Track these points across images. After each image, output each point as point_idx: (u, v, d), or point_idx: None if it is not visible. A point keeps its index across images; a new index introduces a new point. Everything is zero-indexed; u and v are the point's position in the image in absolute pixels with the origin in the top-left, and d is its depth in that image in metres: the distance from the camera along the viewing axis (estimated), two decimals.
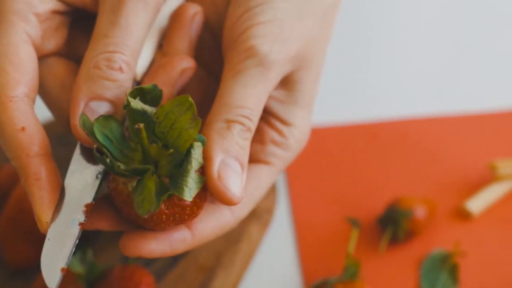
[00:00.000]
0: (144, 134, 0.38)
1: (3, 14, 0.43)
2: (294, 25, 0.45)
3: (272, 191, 0.65)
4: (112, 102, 0.42)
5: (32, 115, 0.42)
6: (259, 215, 0.63)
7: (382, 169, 0.67)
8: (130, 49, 0.43)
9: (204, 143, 0.40)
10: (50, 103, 0.46)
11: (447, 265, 0.59)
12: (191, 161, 0.39)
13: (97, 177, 0.41)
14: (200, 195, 0.40)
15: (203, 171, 0.40)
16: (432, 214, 0.62)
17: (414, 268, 0.60)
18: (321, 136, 0.69)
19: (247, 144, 0.42)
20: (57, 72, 0.46)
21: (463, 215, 0.63)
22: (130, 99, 0.39)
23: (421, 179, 0.66)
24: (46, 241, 0.40)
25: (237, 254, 0.60)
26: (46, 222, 0.40)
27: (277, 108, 0.47)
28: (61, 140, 0.59)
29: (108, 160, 0.39)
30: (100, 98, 0.41)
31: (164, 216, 0.40)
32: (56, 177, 0.41)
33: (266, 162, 0.47)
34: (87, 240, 0.53)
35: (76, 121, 0.41)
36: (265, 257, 0.62)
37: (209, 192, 0.41)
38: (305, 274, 0.60)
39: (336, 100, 0.72)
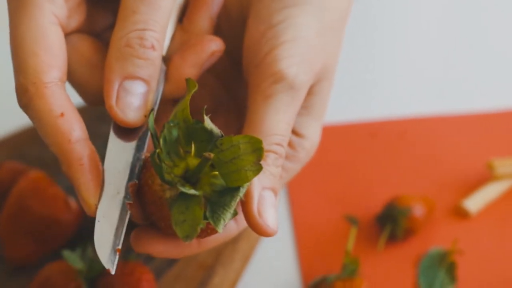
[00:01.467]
0: (210, 163, 0.38)
1: None
2: (316, 41, 0.45)
3: None
4: (145, 81, 0.41)
5: (67, 99, 0.41)
6: None
7: (381, 168, 0.67)
8: (159, 25, 0.42)
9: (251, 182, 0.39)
10: (75, 81, 0.45)
11: (444, 263, 0.60)
12: (236, 198, 0.38)
13: (136, 156, 0.41)
14: None
15: (241, 205, 0.40)
16: (430, 212, 0.62)
17: (412, 266, 0.60)
18: (321, 135, 0.70)
19: (279, 170, 0.43)
20: (81, 50, 0.45)
21: (461, 214, 0.64)
22: (205, 117, 0.39)
23: (419, 178, 0.66)
24: (97, 223, 0.39)
25: (237, 252, 0.60)
26: (95, 205, 0.39)
27: None
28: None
29: (160, 165, 0.38)
30: (134, 77, 0.41)
31: None
32: (97, 160, 0.40)
33: None
34: (87, 236, 0.53)
35: (112, 102, 0.40)
36: (264, 255, 0.62)
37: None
38: (304, 271, 0.60)
39: (336, 99, 0.71)
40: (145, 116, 0.41)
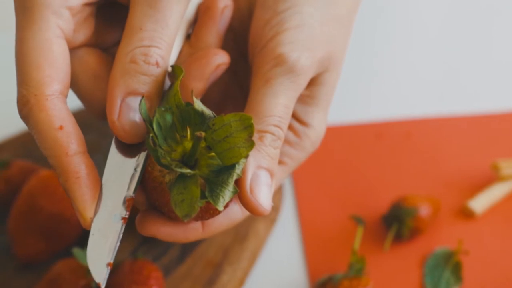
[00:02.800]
0: (203, 143, 0.39)
1: (36, 8, 0.42)
2: (319, 30, 0.45)
3: (279, 189, 0.65)
4: (148, 97, 0.41)
5: (67, 112, 0.41)
6: None
7: (386, 168, 0.68)
8: (166, 43, 0.42)
9: (247, 158, 0.40)
10: (81, 94, 0.45)
11: (450, 262, 0.60)
12: (232, 175, 0.39)
13: (135, 170, 0.41)
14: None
15: (238, 182, 0.41)
16: (436, 212, 0.63)
17: (418, 265, 0.60)
18: (327, 136, 0.68)
19: (277, 152, 0.43)
20: (88, 63, 0.45)
21: (467, 214, 0.64)
22: (194, 99, 0.39)
23: (425, 178, 0.67)
24: (91, 236, 0.40)
25: (244, 251, 0.61)
26: (90, 218, 0.40)
27: (297, 108, 0.47)
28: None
29: (156, 149, 0.39)
30: (137, 93, 0.41)
31: None
32: (95, 174, 0.40)
33: (279, 162, 0.47)
34: None
35: (114, 117, 0.40)
36: (271, 254, 0.62)
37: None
38: (311, 270, 0.61)
39: (342, 101, 0.72)
40: (147, 133, 0.41)
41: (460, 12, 0.84)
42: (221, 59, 0.46)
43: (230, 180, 0.39)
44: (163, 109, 0.40)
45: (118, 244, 0.40)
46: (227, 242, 0.61)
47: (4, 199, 0.64)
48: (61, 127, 0.40)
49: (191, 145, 0.39)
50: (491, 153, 0.68)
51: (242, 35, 0.49)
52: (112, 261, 0.39)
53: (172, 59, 0.46)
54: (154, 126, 0.39)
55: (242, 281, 0.59)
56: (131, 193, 0.40)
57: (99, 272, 0.39)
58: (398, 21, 0.84)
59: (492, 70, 0.78)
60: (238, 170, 0.39)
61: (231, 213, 0.44)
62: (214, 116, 0.39)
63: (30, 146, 0.68)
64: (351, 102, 0.74)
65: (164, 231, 0.42)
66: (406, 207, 0.61)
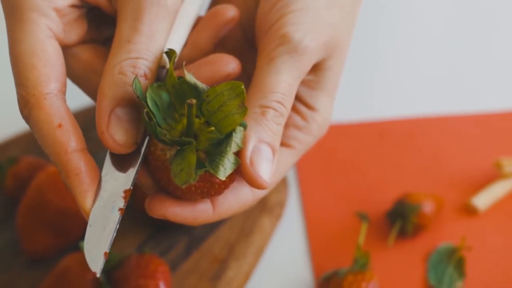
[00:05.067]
0: (195, 109, 0.40)
1: (24, 11, 0.43)
2: (324, 13, 0.46)
3: (284, 185, 0.66)
4: (136, 108, 0.42)
5: (66, 110, 0.42)
6: (271, 209, 0.64)
7: (390, 166, 0.68)
8: (153, 55, 0.43)
9: (245, 129, 0.41)
10: (85, 90, 0.47)
11: (453, 258, 0.60)
12: (230, 144, 0.40)
13: (133, 164, 0.42)
14: (230, 175, 0.41)
15: (239, 154, 0.41)
16: (439, 209, 0.63)
17: (421, 261, 0.61)
18: (331, 134, 0.70)
19: (280, 129, 0.43)
20: (84, 60, 0.46)
21: (470, 211, 0.64)
22: (186, 72, 0.40)
23: (428, 176, 0.67)
24: (88, 227, 0.41)
25: (250, 246, 0.61)
26: (89, 210, 0.41)
27: (304, 92, 0.48)
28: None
29: (154, 126, 0.40)
30: (126, 104, 0.42)
31: (193, 188, 0.41)
32: (94, 169, 0.41)
33: (287, 145, 0.48)
34: None
35: (103, 127, 0.41)
36: (276, 249, 0.63)
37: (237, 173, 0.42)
38: (316, 265, 0.61)
39: (346, 100, 0.73)
40: (136, 143, 0.42)
41: (463, 10, 0.85)
42: (232, 68, 0.46)
43: (228, 149, 0.40)
44: (155, 85, 0.41)
45: (115, 234, 0.41)
46: (233, 237, 0.62)
47: (13, 195, 0.64)
48: (60, 125, 0.41)
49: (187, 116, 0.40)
50: (493, 151, 0.69)
51: (247, 20, 0.49)
52: (108, 251, 0.40)
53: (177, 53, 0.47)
54: (149, 101, 0.40)
55: (247, 276, 0.60)
56: (128, 185, 0.41)
57: (95, 261, 0.40)
58: (401, 19, 0.84)
59: (495, 68, 0.78)
60: (236, 139, 0.40)
61: (241, 195, 0.45)
62: (208, 88, 0.40)
63: (37, 143, 0.69)
64: (355, 101, 0.75)
65: (174, 211, 0.42)
66: (410, 203, 0.62)
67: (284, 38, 0.45)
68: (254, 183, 0.41)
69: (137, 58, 0.42)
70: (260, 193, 0.46)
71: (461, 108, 0.74)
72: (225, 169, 0.40)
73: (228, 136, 0.40)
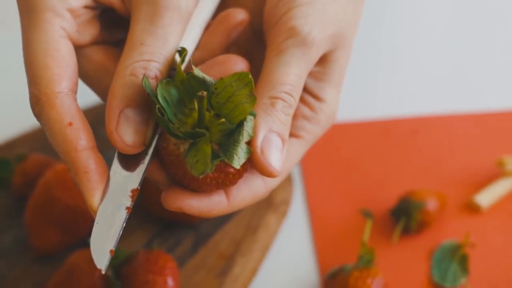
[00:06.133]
0: (205, 101, 0.40)
1: (38, 11, 0.44)
2: (330, 6, 0.47)
3: (289, 183, 0.66)
4: (146, 109, 0.43)
5: (77, 109, 0.43)
6: (277, 206, 0.64)
7: (394, 164, 0.69)
8: (165, 58, 0.43)
9: (255, 117, 0.42)
10: (96, 90, 0.47)
11: (457, 255, 0.61)
12: (242, 133, 0.41)
13: (141, 163, 0.43)
14: (243, 164, 0.42)
15: (250, 144, 0.42)
16: (443, 206, 0.64)
17: (425, 258, 0.62)
18: (336, 132, 0.71)
19: (288, 119, 0.44)
20: (96, 61, 0.47)
21: (473, 208, 0.65)
22: (193, 67, 0.41)
23: (431, 174, 0.68)
24: (95, 224, 0.41)
25: (256, 242, 0.62)
26: (97, 209, 0.42)
27: (311, 84, 0.49)
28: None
29: (167, 121, 0.40)
30: (135, 105, 0.42)
31: (208, 179, 0.42)
32: (103, 168, 0.42)
33: (296, 136, 0.48)
34: None
35: (112, 127, 0.42)
36: (282, 246, 0.63)
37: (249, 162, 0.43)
38: (321, 262, 0.62)
39: (350, 99, 0.73)
40: (144, 144, 0.43)
41: (466, 9, 0.85)
42: (240, 69, 0.47)
43: (240, 138, 0.41)
44: (164, 81, 0.41)
45: (121, 232, 0.41)
46: (239, 234, 0.62)
47: (20, 192, 0.65)
48: (70, 124, 0.42)
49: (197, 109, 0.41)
50: (496, 149, 0.69)
51: (255, 15, 0.50)
52: (114, 249, 0.41)
53: (189, 54, 0.47)
54: (159, 98, 0.41)
55: (254, 272, 0.61)
56: (136, 185, 0.42)
57: (101, 258, 0.41)
58: (404, 18, 0.85)
59: (498, 67, 0.79)
60: (247, 127, 0.41)
61: (255, 186, 0.46)
62: (216, 81, 0.41)
63: (46, 140, 0.68)
64: (359, 100, 0.75)
65: (189, 203, 0.43)
66: (414, 201, 0.62)
67: (292, 31, 0.45)
68: (265, 172, 0.42)
69: (149, 60, 0.42)
70: (271, 184, 0.46)
71: (464, 107, 0.74)
72: (239, 158, 0.41)
73: (239, 125, 0.41)
